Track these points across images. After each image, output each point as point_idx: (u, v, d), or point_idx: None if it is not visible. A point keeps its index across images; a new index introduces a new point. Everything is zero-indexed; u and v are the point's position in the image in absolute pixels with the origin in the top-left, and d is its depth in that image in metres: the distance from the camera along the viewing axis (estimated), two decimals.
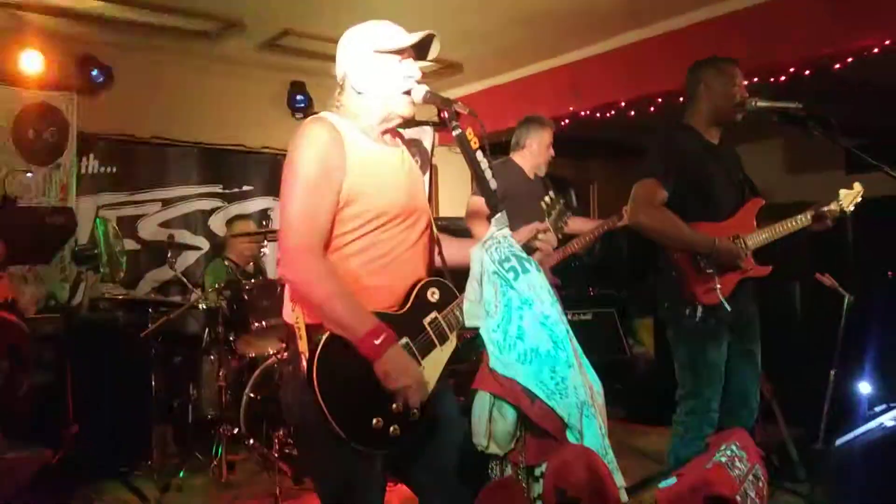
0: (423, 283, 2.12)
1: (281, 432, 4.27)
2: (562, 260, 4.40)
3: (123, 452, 4.48)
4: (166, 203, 6.14)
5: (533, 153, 4.39)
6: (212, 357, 4.65)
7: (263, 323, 4.53)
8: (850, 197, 3.31)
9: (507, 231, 2.13)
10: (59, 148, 5.53)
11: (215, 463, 4.42)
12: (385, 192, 2.05)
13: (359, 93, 2.12)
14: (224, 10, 5.22)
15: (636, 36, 5.62)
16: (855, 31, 4.33)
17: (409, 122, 2.25)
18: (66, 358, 4.38)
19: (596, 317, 5.91)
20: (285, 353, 2.12)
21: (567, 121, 6.11)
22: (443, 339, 2.10)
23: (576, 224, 4.52)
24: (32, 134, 5.41)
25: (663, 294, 3.30)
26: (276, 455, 4.22)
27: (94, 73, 5.64)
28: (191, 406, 4.71)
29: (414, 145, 2.39)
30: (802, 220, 3.25)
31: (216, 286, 4.67)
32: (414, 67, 2.13)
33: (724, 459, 2.24)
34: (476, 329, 2.07)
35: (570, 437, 1.99)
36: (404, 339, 2.01)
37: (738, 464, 2.25)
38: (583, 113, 6.04)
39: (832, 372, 3.67)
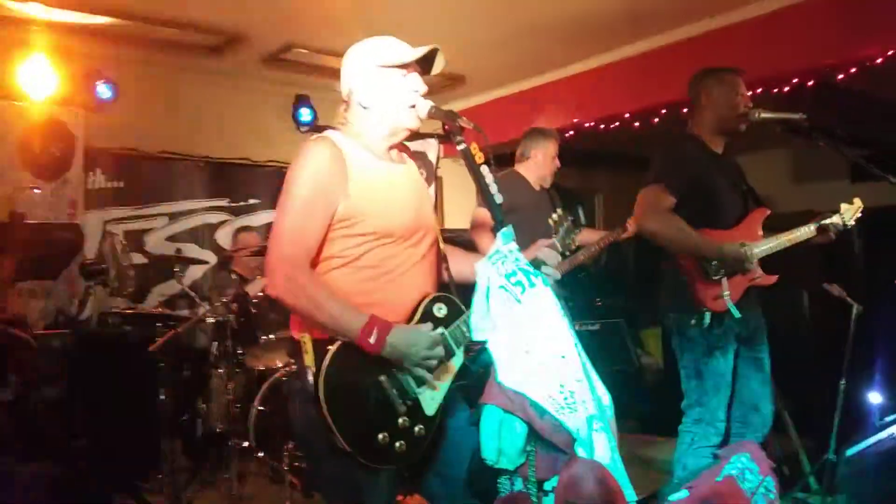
0: (429, 298, 2.12)
1: (290, 445, 4.26)
2: (568, 271, 4.39)
3: (133, 467, 4.48)
4: (173, 217, 6.15)
5: (538, 165, 4.39)
6: (220, 370, 4.65)
7: (272, 336, 4.55)
8: (850, 211, 3.30)
9: (513, 245, 2.13)
10: (65, 163, 5.55)
11: (225, 476, 4.41)
12: (390, 211, 2.07)
13: (364, 108, 2.13)
14: (229, 24, 5.25)
15: (640, 47, 5.63)
16: (858, 41, 4.33)
17: (415, 135, 2.26)
18: (75, 372, 4.39)
19: (603, 327, 5.89)
20: (293, 367, 2.13)
21: (572, 132, 6.11)
22: (449, 354, 2.10)
23: (582, 235, 4.53)
24: (39, 149, 5.43)
25: (668, 302, 3.29)
26: (286, 468, 4.21)
27: (101, 88, 5.66)
28: (200, 420, 4.71)
29: (419, 158, 2.41)
30: (806, 231, 3.24)
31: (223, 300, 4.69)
32: (419, 81, 2.14)
33: (735, 472, 2.23)
34: (484, 343, 2.08)
35: (580, 452, 1.98)
36: None
37: (748, 476, 2.24)
38: (587, 124, 6.05)
39: (842, 382, 3.65)
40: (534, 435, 2.01)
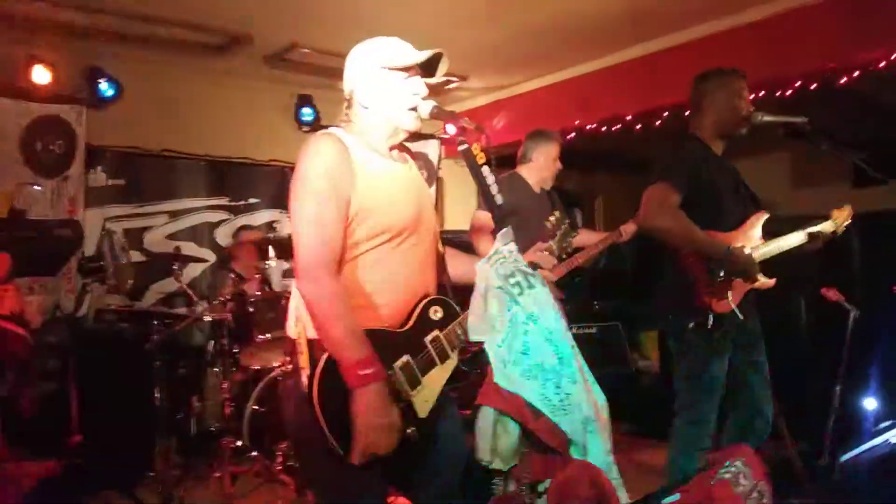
0: (426, 300, 2.12)
1: (283, 445, 4.27)
2: (566, 273, 4.39)
3: (127, 463, 4.48)
4: (173, 215, 6.15)
5: (539, 167, 4.38)
6: (216, 369, 4.66)
7: (268, 335, 4.54)
8: (841, 216, 3.31)
9: (512, 246, 2.13)
10: (66, 160, 5.55)
11: (218, 475, 4.41)
12: (393, 208, 2.06)
13: (365, 108, 2.13)
14: (232, 24, 5.25)
15: (642, 50, 5.64)
16: (860, 44, 4.34)
17: (416, 136, 2.26)
18: (71, 369, 4.40)
19: (600, 330, 5.88)
20: (289, 367, 2.13)
21: (573, 134, 6.11)
22: (444, 357, 2.10)
23: (581, 237, 4.53)
24: (41, 146, 5.43)
25: (667, 304, 3.29)
26: (279, 468, 4.22)
27: (103, 86, 5.67)
28: (194, 418, 4.72)
29: (420, 158, 2.40)
30: (797, 237, 3.25)
31: (221, 298, 4.69)
32: (420, 84, 2.14)
33: (728, 476, 2.23)
34: (481, 344, 2.08)
35: (575, 453, 1.99)
36: (405, 357, 2.01)
37: (742, 480, 2.24)
38: (589, 126, 6.05)
39: (837, 387, 3.65)
40: (528, 436, 2.01)
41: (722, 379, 3.13)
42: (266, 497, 4.32)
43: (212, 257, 6.23)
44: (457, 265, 2.30)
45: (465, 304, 2.14)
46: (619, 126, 5.93)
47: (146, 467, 4.46)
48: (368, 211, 2.01)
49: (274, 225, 6.14)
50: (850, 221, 3.30)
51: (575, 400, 2.00)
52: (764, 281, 3.18)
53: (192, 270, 6.03)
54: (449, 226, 7.27)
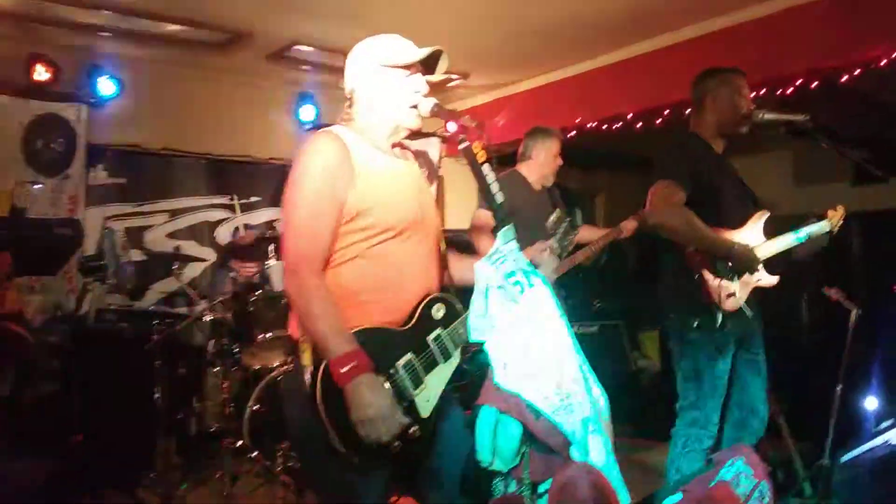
0: (429, 299, 2.12)
1: (284, 445, 4.27)
2: (567, 270, 4.39)
3: (127, 463, 4.48)
4: (173, 214, 6.14)
5: (540, 164, 4.38)
6: (216, 369, 4.65)
7: (268, 335, 4.54)
8: (836, 216, 3.31)
9: (513, 245, 2.13)
10: (67, 159, 5.55)
11: (218, 475, 4.41)
12: (395, 205, 2.06)
13: (366, 106, 2.13)
14: (233, 21, 5.24)
15: (643, 47, 5.62)
16: (862, 42, 4.32)
17: (416, 134, 2.26)
18: (72, 368, 4.39)
19: (601, 330, 5.88)
20: (290, 366, 2.13)
21: (574, 132, 6.10)
22: (446, 356, 2.10)
23: (582, 233, 4.53)
24: (41, 145, 5.42)
25: (670, 301, 3.28)
26: (279, 468, 4.21)
27: (103, 84, 5.66)
28: (194, 418, 4.71)
29: (420, 157, 2.40)
30: (792, 239, 3.25)
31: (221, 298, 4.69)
32: (421, 82, 2.15)
33: (729, 476, 2.23)
34: (481, 343, 2.07)
35: (575, 454, 1.98)
36: (408, 356, 2.01)
37: (743, 480, 2.24)
38: (590, 124, 6.04)
39: (838, 387, 3.64)
40: (529, 437, 2.01)
41: (725, 378, 3.13)
42: (266, 497, 4.32)
43: (212, 256, 6.21)
44: (461, 272, 2.30)
45: (468, 304, 2.13)
46: (620, 124, 5.92)
47: (147, 467, 4.46)
48: (370, 209, 2.01)
49: (274, 224, 6.15)
50: (842, 222, 3.30)
51: (575, 400, 1.99)
52: (769, 279, 3.18)
53: (193, 270, 6.02)
54: (450, 224, 7.24)
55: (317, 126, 6.54)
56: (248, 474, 4.62)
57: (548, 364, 2.01)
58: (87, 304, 5.50)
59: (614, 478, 1.99)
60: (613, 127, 5.98)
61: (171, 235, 6.09)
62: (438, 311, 2.12)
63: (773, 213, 3.32)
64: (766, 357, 3.30)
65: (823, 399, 3.68)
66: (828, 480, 3.42)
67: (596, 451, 1.98)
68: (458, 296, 2.22)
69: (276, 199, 6.55)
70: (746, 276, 3.11)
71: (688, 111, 3.44)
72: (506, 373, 2.00)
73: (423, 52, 2.11)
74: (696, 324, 3.09)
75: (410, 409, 1.99)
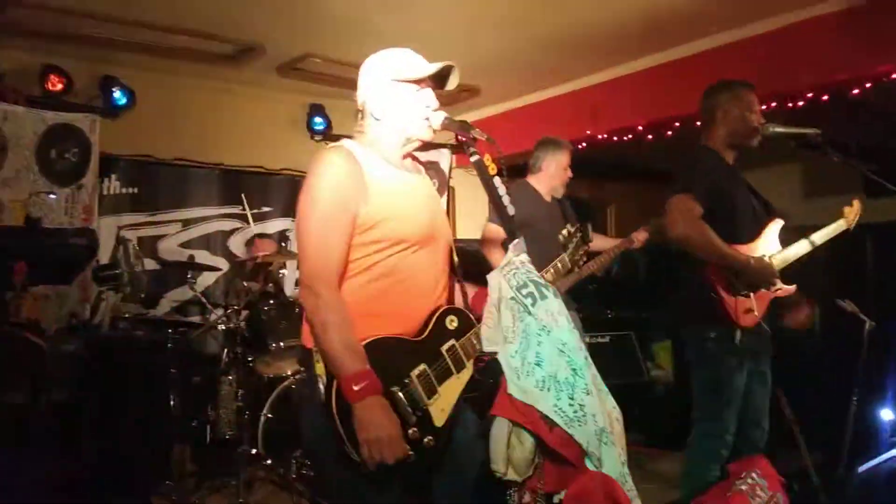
0: (442, 310, 2.13)
1: (298, 453, 4.29)
2: (579, 281, 4.39)
3: (142, 471, 4.49)
4: (186, 224, 6.18)
5: (549, 175, 4.38)
6: (230, 377, 4.67)
7: (281, 344, 4.57)
8: (852, 213, 3.32)
9: (524, 256, 2.14)
10: (81, 169, 5.58)
11: (233, 483, 4.42)
12: (406, 218, 2.07)
13: (377, 120, 2.15)
14: (244, 34, 5.29)
15: (654, 60, 5.63)
16: (872, 56, 4.32)
17: (427, 146, 2.28)
18: (86, 377, 4.41)
19: (613, 340, 5.87)
20: (303, 375, 2.14)
21: (584, 144, 6.12)
22: (459, 366, 2.11)
23: (594, 242, 4.52)
24: (55, 155, 5.47)
25: (687, 314, 3.28)
26: (294, 476, 4.23)
27: (116, 95, 5.72)
28: (209, 426, 4.72)
29: (431, 168, 2.42)
30: (803, 247, 3.25)
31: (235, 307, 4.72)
32: (432, 97, 2.16)
33: (744, 487, 2.23)
34: (494, 354, 2.08)
35: (589, 465, 1.98)
36: (422, 366, 2.02)
37: (759, 492, 2.24)
38: (600, 136, 6.05)
39: (854, 398, 3.63)
40: (542, 447, 2.01)
41: (742, 390, 3.12)
42: None
43: (225, 265, 6.24)
44: None
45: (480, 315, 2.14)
46: (630, 136, 5.93)
47: (161, 475, 4.47)
48: (382, 221, 2.02)
49: (287, 234, 6.17)
50: (860, 215, 3.31)
51: (589, 411, 1.99)
52: (785, 288, 3.18)
53: (206, 279, 6.05)
54: (460, 235, 7.27)
55: (327, 137, 6.59)
56: (262, 481, 4.64)
57: (561, 375, 2.01)
58: (102, 313, 5.53)
59: (628, 489, 1.99)
60: (624, 138, 5.99)
61: (185, 245, 6.13)
62: (452, 322, 2.14)
63: (784, 224, 3.33)
64: (782, 369, 3.30)
65: (839, 410, 3.67)
66: (844, 491, 3.40)
67: (609, 461, 1.99)
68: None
69: (287, 210, 6.58)
70: (762, 290, 3.12)
71: (698, 123, 3.45)
72: (519, 384, 2.00)
73: (434, 67, 2.13)
74: (713, 335, 3.09)
75: (424, 418, 2.00)
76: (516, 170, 4.25)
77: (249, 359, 4.73)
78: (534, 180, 4.41)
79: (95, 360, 4.57)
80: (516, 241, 2.14)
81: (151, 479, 4.48)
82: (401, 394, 1.97)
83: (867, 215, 3.37)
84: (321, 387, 1.94)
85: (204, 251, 6.19)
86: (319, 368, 1.96)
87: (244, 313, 4.78)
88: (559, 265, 2.38)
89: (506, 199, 2.14)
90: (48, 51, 5.42)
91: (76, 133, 5.57)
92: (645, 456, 5.12)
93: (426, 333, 2.07)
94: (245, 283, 5.19)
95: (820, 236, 3.29)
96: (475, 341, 2.12)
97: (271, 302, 4.82)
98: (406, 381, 1.99)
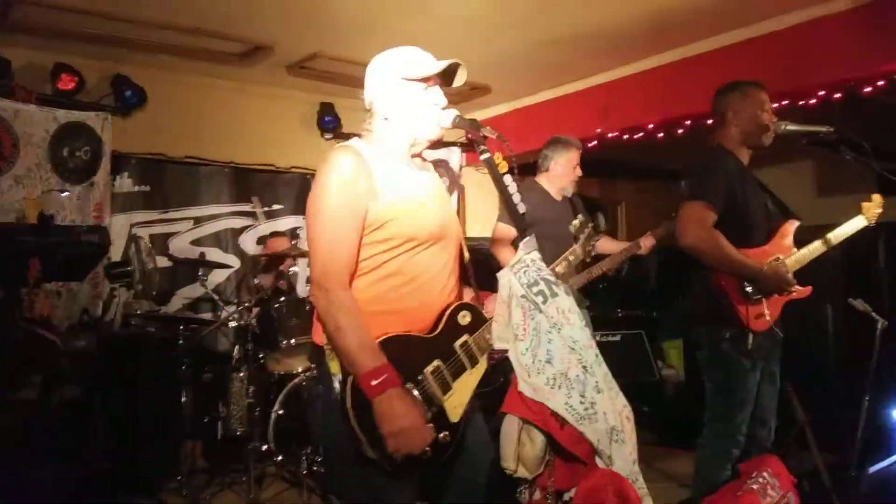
0: (454, 306, 2.13)
1: (308, 449, 4.30)
2: (589, 281, 4.39)
3: (153, 467, 4.52)
4: (197, 221, 6.20)
5: (558, 174, 4.37)
6: (241, 374, 4.69)
7: (292, 341, 4.58)
8: (871, 209, 3.30)
9: (535, 255, 2.14)
10: (93, 167, 5.61)
11: (244, 479, 4.44)
12: (416, 216, 2.07)
13: (386, 119, 2.15)
14: (254, 33, 5.30)
15: (664, 58, 5.62)
16: (885, 54, 4.30)
17: (437, 144, 2.27)
18: (98, 373, 4.44)
19: (624, 339, 5.87)
20: (313, 372, 2.15)
21: (595, 143, 6.11)
22: (473, 361, 2.11)
23: (601, 244, 4.51)
24: (67, 153, 5.50)
25: (700, 315, 3.27)
26: (304, 472, 4.24)
27: (128, 93, 5.74)
28: (220, 422, 4.74)
29: (441, 166, 2.42)
30: (818, 247, 3.23)
31: (246, 304, 4.74)
32: (440, 94, 2.16)
33: (755, 487, 2.22)
34: (505, 351, 2.08)
35: (600, 463, 1.98)
36: (436, 362, 2.02)
37: (770, 491, 2.23)
38: (610, 135, 6.04)
39: (866, 398, 3.61)
40: (553, 445, 2.01)
41: (754, 391, 3.11)
42: (291, 501, 4.35)
43: (236, 263, 6.26)
44: None
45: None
46: (641, 135, 5.92)
47: (172, 471, 4.50)
48: (392, 220, 2.03)
49: (298, 231, 6.19)
50: (881, 210, 3.29)
51: (600, 409, 2.00)
52: (800, 290, 3.16)
53: (217, 276, 6.07)
54: (471, 233, 7.27)
55: (337, 136, 6.60)
56: (273, 478, 4.67)
57: (572, 373, 2.01)
58: (114, 310, 5.57)
59: (639, 486, 1.99)
60: (635, 137, 5.97)
61: (196, 242, 6.15)
62: (464, 318, 2.14)
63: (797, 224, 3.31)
64: (794, 369, 3.28)
65: (850, 410, 3.65)
66: (855, 491, 3.39)
67: (620, 460, 1.99)
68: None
69: (298, 208, 6.60)
70: (775, 294, 3.10)
71: (709, 122, 3.43)
72: (529, 381, 2.01)
73: (442, 65, 2.12)
74: (727, 335, 3.08)
75: (439, 414, 2.00)
76: (527, 168, 4.24)
77: (260, 356, 4.75)
78: (543, 179, 4.40)
79: (107, 357, 4.60)
80: (527, 238, 2.14)
81: (162, 476, 4.51)
82: (416, 391, 1.97)
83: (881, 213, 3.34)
84: (336, 385, 1.94)
85: (215, 248, 6.21)
86: (334, 367, 1.97)
87: (255, 310, 4.80)
88: (571, 257, 2.37)
89: (516, 197, 2.14)
90: (60, 49, 5.45)
91: (88, 131, 5.59)
92: (655, 454, 5.10)
93: (439, 330, 2.08)
94: (256, 281, 5.21)
95: (836, 235, 3.27)
96: (488, 336, 2.13)
97: (282, 299, 4.84)
98: (420, 377, 1.99)
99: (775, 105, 3.28)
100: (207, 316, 5.75)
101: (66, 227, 5.09)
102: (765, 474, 2.24)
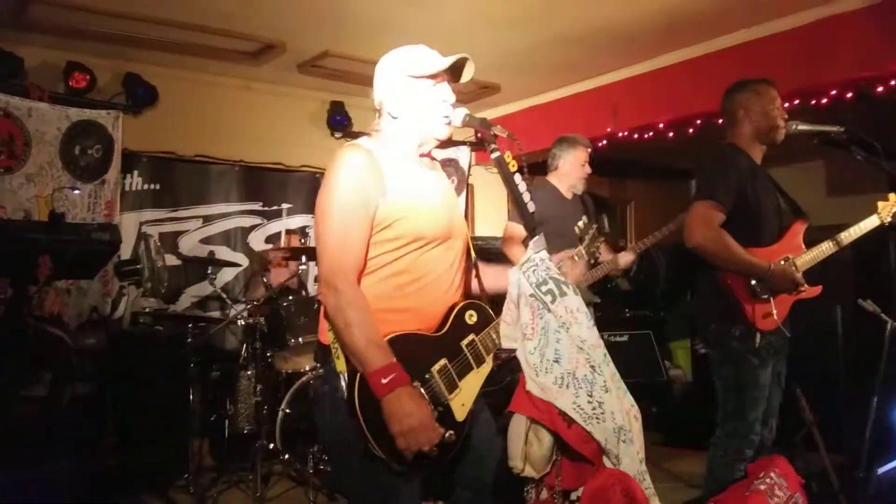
0: (461, 305, 2.13)
1: (315, 448, 4.31)
2: (596, 282, 4.37)
3: (161, 465, 4.54)
4: (207, 220, 6.23)
5: (567, 172, 4.37)
6: (249, 372, 4.70)
7: (300, 339, 4.59)
8: (888, 208, 3.28)
9: (544, 254, 2.13)
10: (104, 165, 5.65)
11: (250, 477, 4.46)
12: (423, 215, 2.07)
13: (395, 118, 2.14)
14: (265, 31, 5.32)
15: (675, 57, 5.61)
16: None
17: (447, 143, 2.27)
18: (107, 370, 4.46)
19: (632, 339, 5.85)
20: (321, 371, 2.15)
21: (605, 142, 6.10)
22: (479, 361, 2.11)
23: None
24: (79, 151, 5.53)
25: (710, 314, 3.26)
26: (311, 470, 4.25)
27: (139, 92, 5.78)
28: (227, 420, 4.76)
29: (451, 165, 2.42)
30: (829, 247, 3.22)
31: (254, 302, 4.76)
32: (448, 91, 2.15)
33: (763, 487, 2.21)
34: (513, 350, 2.08)
35: (607, 462, 1.98)
36: (443, 361, 2.02)
37: (777, 491, 2.22)
38: (621, 134, 6.03)
39: (874, 399, 3.60)
40: (561, 444, 2.01)
41: (767, 389, 3.10)
42: (298, 499, 4.36)
43: (245, 261, 6.29)
44: (489, 279, 2.31)
45: (499, 311, 2.14)
46: (651, 133, 5.91)
47: (180, 468, 4.52)
48: (401, 218, 2.02)
49: (307, 230, 6.21)
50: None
51: (607, 408, 1.99)
52: (810, 290, 3.15)
53: (226, 274, 6.09)
54: (480, 232, 7.27)
55: (347, 134, 6.62)
56: (279, 476, 4.68)
57: (580, 372, 2.01)
58: (123, 308, 5.60)
59: (646, 486, 1.98)
60: (646, 136, 5.96)
61: (205, 241, 6.18)
62: (471, 317, 2.14)
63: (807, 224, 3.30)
64: (803, 370, 3.27)
65: (859, 411, 3.63)
66: (863, 492, 3.37)
67: (628, 459, 1.98)
68: (490, 304, 2.23)
69: (307, 206, 6.61)
70: (784, 294, 3.09)
71: (720, 121, 3.42)
72: (537, 380, 2.00)
73: (449, 61, 2.11)
74: (737, 333, 3.07)
75: (446, 413, 2.00)
76: (537, 167, 4.24)
77: (268, 354, 4.76)
78: (553, 178, 4.40)
79: (116, 355, 4.62)
80: (536, 237, 2.14)
81: (170, 473, 4.53)
82: (423, 389, 1.97)
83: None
84: (343, 383, 1.94)
85: (224, 247, 6.24)
86: (340, 365, 1.97)
87: (263, 309, 4.81)
88: (577, 258, 2.37)
89: (526, 196, 2.13)
90: (72, 48, 5.48)
91: (99, 129, 5.63)
92: (662, 454, 5.10)
93: (446, 328, 2.08)
94: (264, 279, 5.22)
95: (849, 234, 3.25)
96: (494, 336, 2.12)
97: (290, 298, 4.85)
98: (427, 376, 1.99)
99: (787, 104, 3.26)
100: (216, 314, 5.77)
101: (77, 225, 5.12)
102: (772, 475, 2.23)
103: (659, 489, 2.02)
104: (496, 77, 6.28)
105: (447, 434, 1.97)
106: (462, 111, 2.15)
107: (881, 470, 3.14)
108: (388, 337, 1.95)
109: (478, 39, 5.28)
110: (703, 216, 3.06)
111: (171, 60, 5.82)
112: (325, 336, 2.05)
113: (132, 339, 5.15)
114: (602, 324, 4.31)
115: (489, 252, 4.69)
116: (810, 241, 3.26)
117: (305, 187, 6.65)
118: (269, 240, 6.42)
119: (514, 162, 2.14)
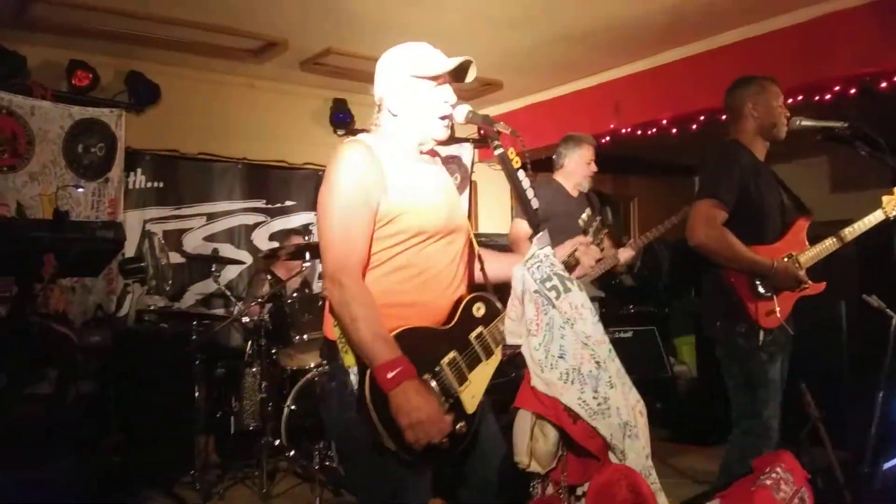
0: (469, 298, 2.14)
1: (321, 444, 4.32)
2: (600, 278, 4.38)
3: (166, 462, 4.55)
4: (211, 217, 6.24)
5: (572, 170, 4.38)
6: (254, 369, 4.72)
7: (305, 336, 4.60)
8: (892, 202, 3.27)
9: (548, 250, 2.13)
10: (107, 163, 5.66)
11: (256, 474, 4.47)
12: (424, 210, 2.08)
13: (395, 115, 2.14)
14: (268, 29, 5.33)
15: (678, 54, 5.61)
16: None
17: (450, 140, 2.27)
18: (112, 368, 4.47)
19: (636, 335, 5.85)
20: (326, 367, 2.15)
21: (608, 138, 6.09)
22: (488, 353, 2.12)
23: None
24: (82, 149, 5.54)
25: (714, 313, 3.25)
26: (316, 467, 4.26)
27: (142, 90, 5.79)
28: (233, 417, 4.78)
29: (454, 162, 2.42)
30: (831, 244, 3.21)
31: (259, 300, 4.77)
32: (450, 92, 2.15)
33: (769, 482, 2.21)
34: (517, 347, 2.08)
35: (613, 458, 1.98)
36: (452, 353, 2.03)
37: (783, 487, 2.22)
38: (624, 131, 6.03)
39: (879, 394, 3.59)
40: (566, 440, 2.01)
41: (779, 383, 3.09)
42: (303, 495, 4.37)
43: (249, 259, 6.30)
44: (495, 265, 2.32)
45: (505, 301, 2.15)
46: (654, 130, 5.91)
47: (186, 465, 4.53)
48: (402, 213, 2.03)
49: (310, 227, 6.21)
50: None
51: (613, 404, 1.99)
52: (814, 286, 3.14)
53: (230, 272, 6.10)
54: (483, 229, 7.28)
55: (350, 132, 6.62)
56: (285, 473, 4.69)
57: (585, 368, 2.01)
58: (128, 305, 5.61)
59: (652, 482, 1.99)
60: (649, 133, 5.96)
61: (209, 238, 6.19)
62: (479, 310, 2.15)
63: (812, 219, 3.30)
64: (808, 365, 3.26)
65: (864, 406, 3.63)
66: (869, 487, 3.37)
67: (633, 455, 1.98)
68: (495, 294, 2.24)
69: (310, 204, 6.62)
70: (787, 291, 3.09)
71: (723, 117, 3.42)
72: (542, 376, 2.00)
73: (452, 63, 2.11)
74: (742, 330, 3.07)
75: (456, 405, 2.01)
76: (540, 163, 4.25)
77: (273, 351, 4.77)
78: (559, 177, 4.41)
79: (121, 352, 4.62)
80: (540, 234, 2.14)
81: (175, 470, 4.54)
82: (433, 382, 1.98)
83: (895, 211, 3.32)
84: (353, 378, 1.94)
85: (228, 245, 6.25)
86: (348, 359, 1.97)
87: (268, 306, 4.82)
88: None
89: (530, 193, 2.13)
90: (75, 46, 5.49)
91: (102, 128, 5.64)
92: (667, 450, 5.09)
93: (454, 321, 2.09)
94: (269, 277, 5.23)
95: (852, 231, 3.24)
96: (502, 328, 2.13)
97: (295, 295, 4.86)
98: (437, 369, 2.00)
99: (790, 100, 3.26)
100: (220, 311, 5.78)
101: (81, 223, 5.12)
102: (778, 469, 2.23)
103: (664, 484, 2.02)
104: (498, 74, 6.27)
105: (458, 426, 1.97)
106: (465, 108, 2.15)
107: (886, 465, 3.13)
108: (399, 330, 1.96)
109: (480, 36, 5.27)
110: (706, 215, 3.06)
111: (173, 58, 5.82)
112: (331, 332, 2.05)
113: (137, 337, 5.16)
114: (606, 320, 4.31)
115: (492, 248, 4.68)
116: (814, 238, 3.25)
117: (309, 185, 6.66)
118: (272, 237, 6.43)
119: (517, 158, 2.14)
